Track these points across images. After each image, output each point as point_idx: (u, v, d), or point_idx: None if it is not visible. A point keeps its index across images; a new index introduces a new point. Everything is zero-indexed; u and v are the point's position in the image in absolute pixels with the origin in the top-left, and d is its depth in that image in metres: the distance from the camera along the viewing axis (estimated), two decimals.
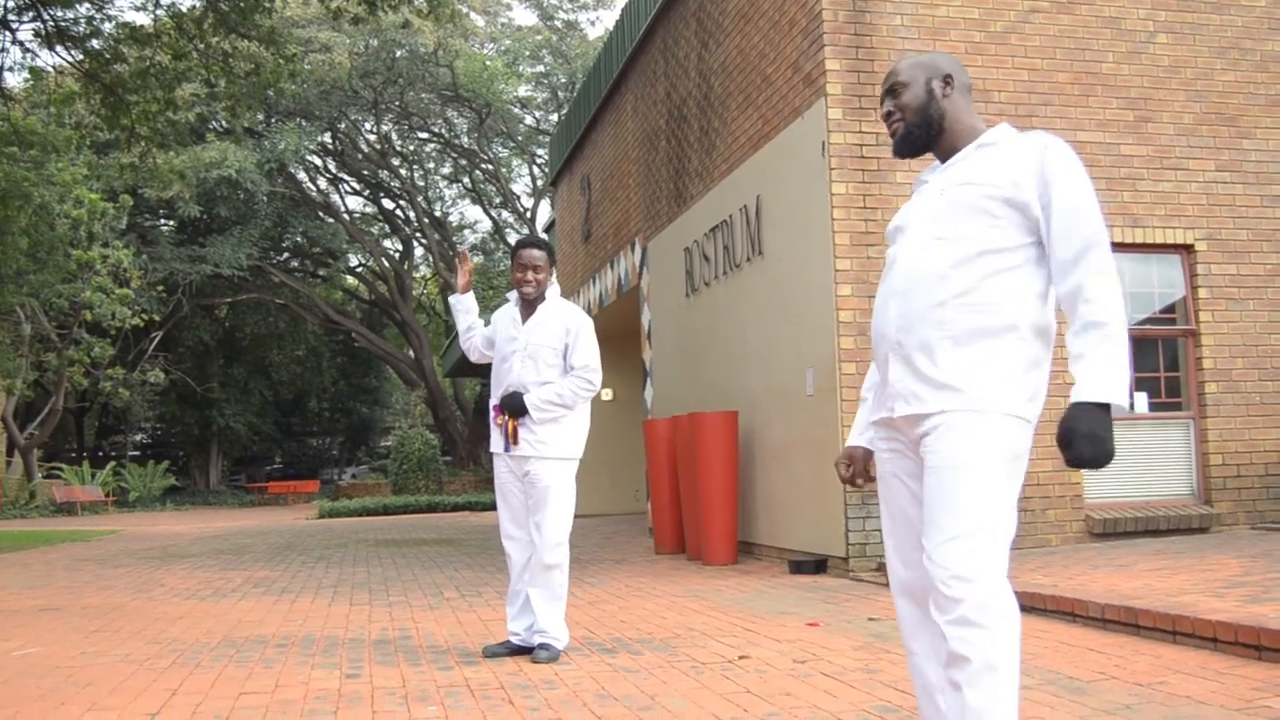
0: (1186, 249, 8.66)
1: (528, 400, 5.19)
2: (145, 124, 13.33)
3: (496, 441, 5.33)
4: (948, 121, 2.74)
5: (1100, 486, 8.31)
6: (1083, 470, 2.49)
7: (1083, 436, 2.37)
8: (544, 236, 27.30)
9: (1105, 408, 2.40)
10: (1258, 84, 8.89)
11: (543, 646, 5.13)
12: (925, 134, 2.76)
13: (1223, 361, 8.58)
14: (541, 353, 5.25)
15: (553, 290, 5.43)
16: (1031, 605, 5.86)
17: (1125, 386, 2.42)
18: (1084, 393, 2.40)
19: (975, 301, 2.56)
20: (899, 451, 2.74)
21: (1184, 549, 7.35)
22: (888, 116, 2.81)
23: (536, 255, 5.33)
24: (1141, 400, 8.57)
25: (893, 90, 2.79)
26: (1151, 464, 8.51)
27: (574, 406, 5.25)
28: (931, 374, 2.58)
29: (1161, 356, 8.70)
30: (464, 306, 5.66)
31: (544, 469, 5.20)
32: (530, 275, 5.33)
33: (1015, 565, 7.01)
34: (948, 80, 2.75)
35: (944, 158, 2.77)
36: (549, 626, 5.17)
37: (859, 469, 2.91)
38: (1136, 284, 8.64)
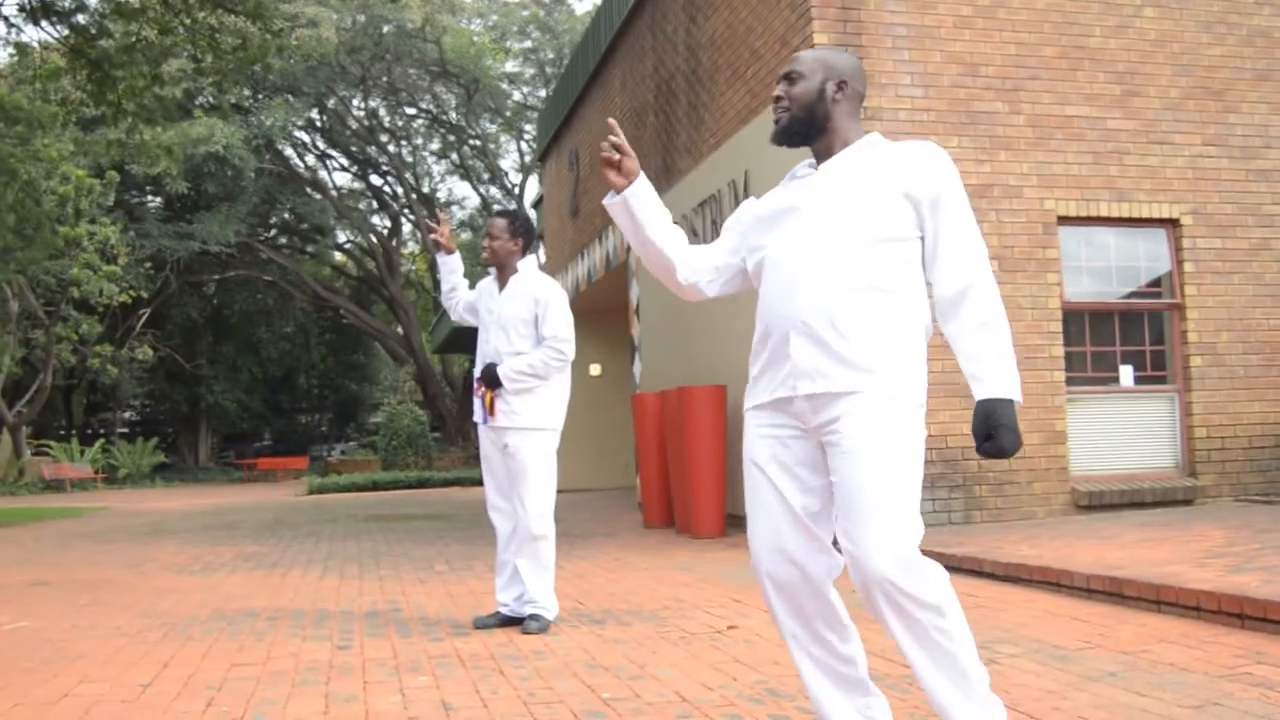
0: (1172, 223, 8.68)
1: (500, 371, 5.22)
2: (132, 99, 13.25)
3: (477, 412, 5.37)
4: (831, 124, 2.78)
5: (1086, 459, 8.36)
6: (991, 458, 2.57)
7: (1006, 429, 2.52)
8: (531, 212, 27.27)
9: (1011, 402, 2.55)
10: (1244, 58, 8.90)
11: (533, 617, 5.17)
12: (806, 130, 2.80)
13: (1208, 335, 8.62)
14: (513, 324, 5.29)
15: (526, 262, 5.43)
16: (1017, 576, 5.91)
17: (1018, 384, 2.58)
18: (998, 388, 2.55)
19: (883, 286, 2.63)
20: (787, 438, 2.74)
21: (1168, 521, 7.40)
22: (776, 101, 2.83)
23: (496, 223, 5.41)
24: (1127, 373, 8.62)
25: (789, 77, 2.82)
26: (1137, 437, 8.56)
27: (547, 377, 5.25)
28: (843, 351, 2.60)
29: (1147, 330, 8.74)
30: (449, 266, 5.69)
31: (520, 440, 5.22)
32: (487, 241, 5.42)
33: (1002, 537, 7.08)
34: (841, 85, 2.79)
35: (820, 156, 2.82)
36: (538, 597, 5.20)
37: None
38: (1122, 258, 8.68)
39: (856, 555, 2.57)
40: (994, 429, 2.52)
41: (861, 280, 2.62)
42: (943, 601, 2.54)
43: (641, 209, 2.91)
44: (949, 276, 2.62)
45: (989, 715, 2.57)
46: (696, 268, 2.97)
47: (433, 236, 5.61)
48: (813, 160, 2.85)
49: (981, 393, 2.56)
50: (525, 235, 5.44)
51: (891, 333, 2.62)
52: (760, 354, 2.79)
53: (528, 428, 5.23)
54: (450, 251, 5.65)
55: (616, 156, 2.86)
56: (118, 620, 5.88)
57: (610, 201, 2.93)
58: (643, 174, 2.92)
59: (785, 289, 2.70)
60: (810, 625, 2.75)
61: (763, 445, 2.76)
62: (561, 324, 5.25)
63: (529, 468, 5.21)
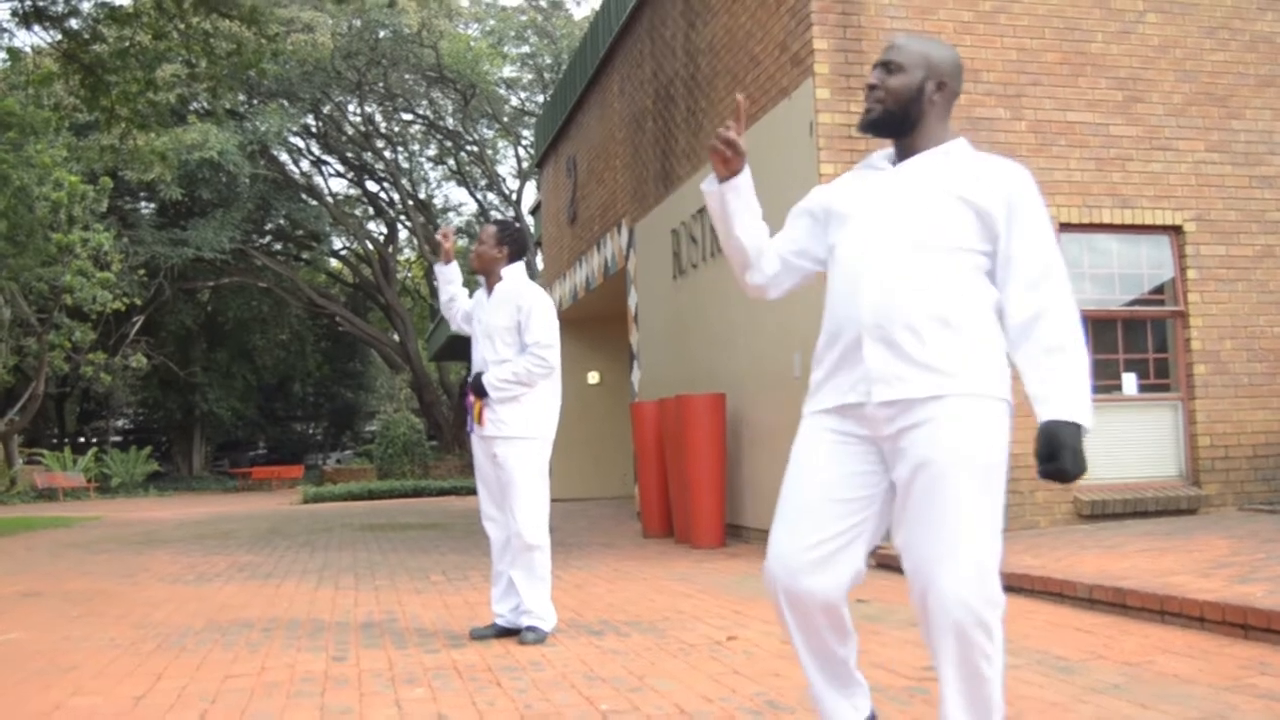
0: (1175, 230, 8.65)
1: (485, 380, 5.21)
2: (125, 105, 13.22)
3: (469, 421, 5.35)
4: (923, 122, 2.69)
5: (1089, 468, 8.30)
6: (1056, 483, 2.51)
7: (1070, 450, 2.42)
8: (529, 218, 27.13)
9: (1079, 427, 2.45)
10: (1247, 64, 8.87)
11: (530, 629, 5.12)
12: (899, 124, 2.69)
13: (1211, 343, 8.59)
14: (497, 332, 5.28)
15: (510, 270, 5.40)
16: (1020, 586, 5.86)
17: (1091, 410, 2.48)
18: (1065, 411, 2.45)
19: (957, 288, 2.55)
20: (852, 446, 2.63)
21: (1172, 530, 7.36)
22: (870, 89, 2.73)
23: (486, 230, 5.45)
24: (1130, 382, 8.57)
25: (887, 66, 2.71)
26: (1140, 446, 8.51)
27: (531, 385, 5.20)
28: (919, 355, 2.51)
29: (1150, 338, 8.70)
30: (446, 276, 5.70)
31: (507, 449, 5.19)
32: (475, 247, 5.44)
33: (1005, 547, 7.02)
34: (941, 86, 2.70)
35: (902, 152, 2.73)
36: (534, 607, 5.15)
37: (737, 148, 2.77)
38: (1125, 265, 8.64)
39: (935, 579, 2.48)
40: (1057, 450, 2.42)
41: (932, 284, 2.54)
42: (998, 628, 2.50)
43: (735, 202, 2.83)
44: (1020, 303, 2.53)
45: None
46: (766, 273, 2.90)
47: (438, 235, 5.60)
48: (891, 153, 2.77)
49: (1047, 414, 2.46)
50: (513, 244, 5.43)
51: (968, 332, 2.53)
52: (825, 357, 2.70)
53: (515, 437, 5.20)
54: (448, 260, 5.63)
55: (729, 152, 2.76)
56: (111, 631, 5.83)
57: (708, 188, 2.85)
58: (747, 169, 2.83)
59: (853, 291, 2.63)
60: (819, 634, 2.71)
61: (822, 450, 2.65)
62: (543, 331, 5.20)
63: (517, 477, 5.17)
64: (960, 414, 2.49)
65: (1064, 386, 2.46)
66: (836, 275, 2.71)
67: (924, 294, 2.53)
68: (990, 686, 2.50)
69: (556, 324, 5.29)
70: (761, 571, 2.74)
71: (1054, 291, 2.51)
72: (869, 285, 2.59)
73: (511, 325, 5.25)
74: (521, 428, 5.20)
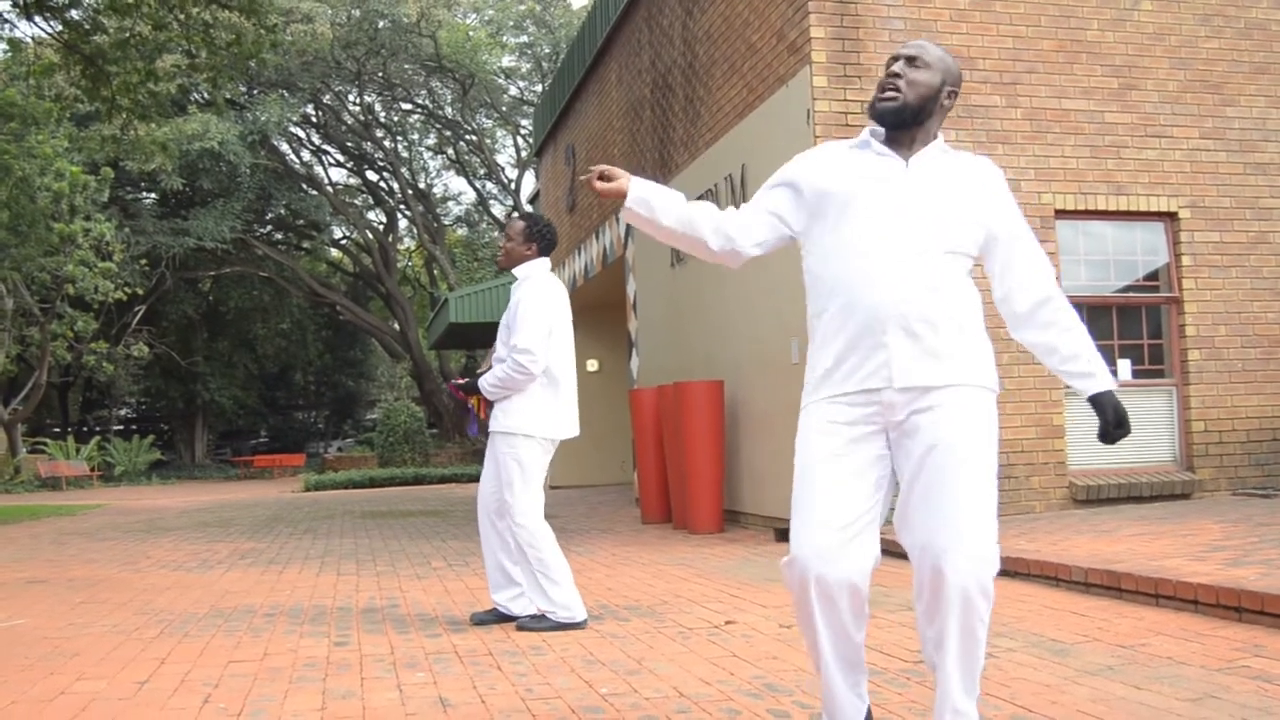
0: (1170, 216, 8.68)
1: (480, 381, 5.26)
2: (126, 95, 13.23)
3: (473, 424, 5.49)
4: (929, 122, 2.85)
5: (1083, 453, 8.36)
6: (1115, 442, 2.88)
7: (1124, 414, 2.79)
8: (527, 208, 27.06)
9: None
10: (1241, 51, 8.89)
11: (532, 617, 5.12)
12: (912, 119, 2.81)
13: (1205, 329, 8.62)
14: (502, 329, 5.30)
15: (523, 268, 5.32)
16: (1015, 570, 5.90)
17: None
18: (1109, 382, 2.80)
19: (959, 289, 2.76)
20: (862, 434, 2.74)
21: (1166, 514, 7.41)
22: (893, 77, 2.81)
23: (513, 227, 5.39)
24: (1125, 367, 8.62)
25: (913, 61, 2.82)
26: (1135, 431, 8.49)
27: (513, 388, 5.15)
28: (935, 346, 2.71)
29: (1145, 324, 8.74)
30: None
31: (494, 443, 5.23)
32: (504, 243, 5.42)
33: (1000, 531, 7.06)
34: (952, 94, 2.87)
35: (895, 144, 2.83)
36: (542, 605, 5.09)
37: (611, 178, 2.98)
38: (1120, 251, 8.67)
39: (948, 552, 2.63)
40: (1124, 418, 2.77)
41: (942, 283, 2.73)
42: (993, 595, 2.70)
43: (649, 209, 2.97)
44: (1026, 290, 2.82)
45: (976, 695, 2.75)
46: (730, 234, 2.95)
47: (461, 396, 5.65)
48: (871, 134, 2.88)
49: (1098, 386, 2.79)
50: (541, 240, 5.33)
51: (969, 329, 2.76)
52: (832, 344, 2.79)
53: (500, 432, 5.20)
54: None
55: (604, 184, 2.98)
56: (114, 617, 5.87)
57: (623, 214, 3.03)
58: (634, 178, 2.97)
59: (869, 282, 2.73)
60: (840, 619, 2.77)
61: (834, 439, 2.75)
62: (524, 334, 5.07)
63: (501, 473, 5.19)
64: (967, 402, 2.71)
65: (1097, 359, 2.81)
66: (843, 261, 2.77)
67: (937, 292, 2.72)
68: (981, 646, 2.70)
69: (545, 326, 5.13)
70: (785, 564, 2.78)
71: (1050, 277, 2.84)
72: (889, 279, 2.71)
73: (509, 323, 5.21)
74: (504, 423, 5.18)
